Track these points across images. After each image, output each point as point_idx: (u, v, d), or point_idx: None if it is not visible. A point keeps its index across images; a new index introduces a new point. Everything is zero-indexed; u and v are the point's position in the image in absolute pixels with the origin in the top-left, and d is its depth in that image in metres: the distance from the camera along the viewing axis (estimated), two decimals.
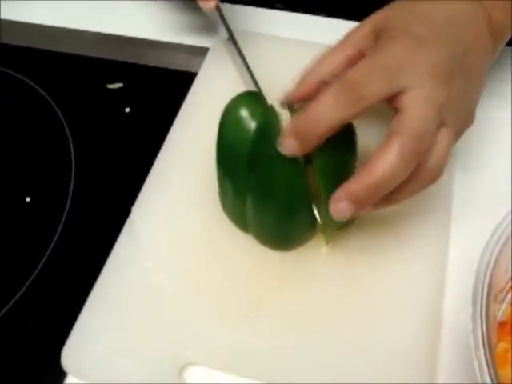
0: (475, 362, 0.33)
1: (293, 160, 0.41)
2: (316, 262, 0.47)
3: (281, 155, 0.41)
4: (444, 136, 0.40)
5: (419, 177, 0.40)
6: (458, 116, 0.42)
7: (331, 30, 0.55)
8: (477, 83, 0.44)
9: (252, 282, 0.46)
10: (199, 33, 0.63)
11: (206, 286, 0.46)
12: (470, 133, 0.46)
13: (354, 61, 0.42)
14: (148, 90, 0.59)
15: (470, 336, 0.34)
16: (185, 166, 0.52)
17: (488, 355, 0.33)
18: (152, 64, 0.61)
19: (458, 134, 0.44)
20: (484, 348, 0.33)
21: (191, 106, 0.56)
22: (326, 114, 0.38)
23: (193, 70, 0.59)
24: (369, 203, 0.40)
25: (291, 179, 0.43)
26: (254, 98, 0.45)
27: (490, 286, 0.36)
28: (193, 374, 0.43)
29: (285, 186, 0.43)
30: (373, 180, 0.38)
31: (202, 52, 0.60)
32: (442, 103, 0.39)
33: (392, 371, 0.42)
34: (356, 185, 0.39)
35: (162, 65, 0.61)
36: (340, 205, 0.39)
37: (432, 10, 0.43)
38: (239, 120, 0.43)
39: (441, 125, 0.40)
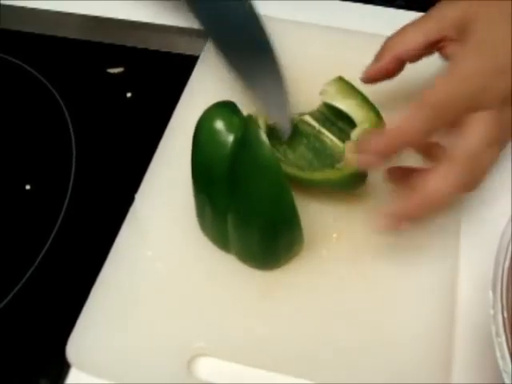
0: (496, 349, 0.32)
1: (277, 173, 0.39)
2: (327, 246, 0.46)
3: (264, 169, 0.39)
4: (494, 156, 0.41)
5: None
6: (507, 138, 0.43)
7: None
8: None
9: (261, 271, 0.45)
10: None
11: (214, 275, 0.45)
12: None
13: (433, 45, 0.43)
14: (149, 74, 0.58)
15: (491, 322, 0.33)
16: (188, 152, 0.50)
17: (510, 341, 0.32)
18: (153, 48, 0.60)
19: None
20: (506, 334, 0.32)
21: (194, 90, 0.55)
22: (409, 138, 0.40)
23: (194, 54, 0.58)
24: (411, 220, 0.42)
25: (276, 194, 0.40)
26: (229, 108, 0.41)
27: (509, 271, 0.35)
28: (202, 365, 0.42)
29: (269, 201, 0.40)
30: (427, 201, 0.40)
31: (204, 35, 0.58)
32: (505, 126, 0.40)
33: (407, 359, 0.41)
34: (410, 204, 0.41)
35: (164, 48, 0.60)
36: (387, 221, 0.41)
37: None
38: (215, 133, 0.40)
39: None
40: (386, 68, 0.45)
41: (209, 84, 0.55)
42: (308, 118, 0.48)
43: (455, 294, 0.44)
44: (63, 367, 0.42)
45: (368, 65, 0.46)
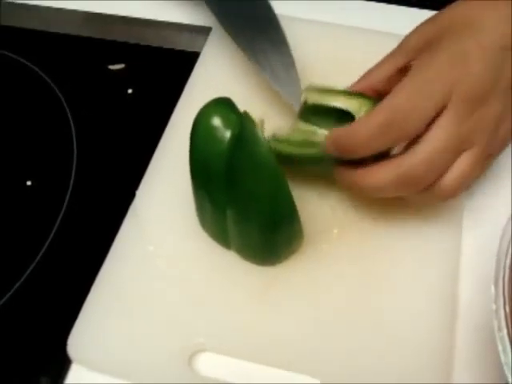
0: (498, 343, 0.32)
1: (274, 169, 0.39)
2: (328, 245, 0.46)
3: (261, 165, 0.39)
4: (464, 161, 0.40)
5: (431, 193, 0.41)
6: (491, 139, 0.40)
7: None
8: None
9: (261, 266, 0.45)
10: (202, 12, 0.61)
11: (214, 271, 0.45)
12: None
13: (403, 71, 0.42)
14: (150, 71, 0.58)
15: (493, 317, 0.33)
16: (188, 147, 0.50)
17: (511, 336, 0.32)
18: (154, 44, 0.59)
19: (491, 156, 0.42)
20: (508, 329, 0.32)
21: (195, 87, 0.54)
22: (366, 142, 0.40)
23: (196, 50, 0.58)
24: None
25: (274, 190, 0.40)
26: (225, 105, 0.41)
27: (511, 266, 0.35)
28: (203, 360, 0.42)
29: (267, 197, 0.40)
30: (364, 186, 0.41)
31: (205, 31, 0.59)
32: (469, 129, 0.39)
33: (408, 354, 0.41)
34: (349, 176, 0.42)
35: (164, 45, 0.59)
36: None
37: (489, 26, 0.40)
38: (212, 130, 0.40)
39: (464, 149, 0.40)
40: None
41: (210, 80, 0.55)
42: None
43: (456, 290, 0.44)
44: (64, 363, 0.42)
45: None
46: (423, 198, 0.42)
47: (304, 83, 0.48)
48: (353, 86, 0.46)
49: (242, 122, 0.40)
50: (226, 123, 0.40)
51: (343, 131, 0.40)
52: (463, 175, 0.40)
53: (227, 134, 0.40)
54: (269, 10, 0.54)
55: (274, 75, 0.50)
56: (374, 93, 0.44)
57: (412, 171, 0.39)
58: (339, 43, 0.56)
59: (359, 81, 0.46)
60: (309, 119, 0.47)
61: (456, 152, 0.39)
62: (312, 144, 0.44)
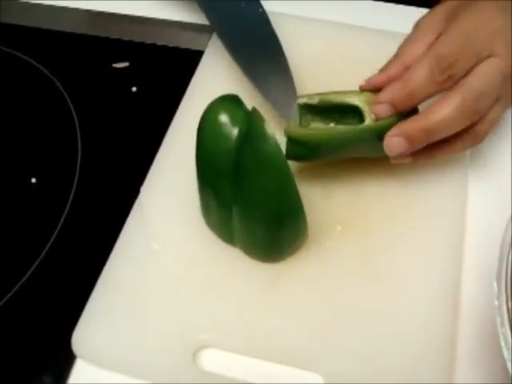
0: (501, 339, 0.33)
1: (282, 165, 0.39)
2: (331, 238, 0.46)
3: (268, 162, 0.39)
4: (498, 107, 0.44)
5: (465, 137, 0.44)
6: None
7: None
8: None
9: (266, 263, 0.45)
10: None
11: (219, 268, 0.45)
12: None
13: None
14: (154, 69, 0.58)
15: (496, 313, 0.33)
16: (194, 146, 0.51)
17: None
18: (158, 42, 0.60)
19: (508, 103, 0.46)
20: (510, 324, 0.32)
21: (199, 85, 0.55)
22: (421, 89, 0.43)
23: (200, 49, 0.58)
24: (418, 145, 0.43)
25: (281, 186, 0.40)
26: (233, 101, 0.41)
27: None
28: (207, 356, 0.42)
29: (274, 193, 0.40)
30: (429, 124, 0.42)
31: (209, 30, 0.59)
32: (508, 74, 0.43)
33: (412, 350, 0.41)
34: (413, 125, 0.43)
35: (168, 43, 0.60)
36: (394, 139, 0.43)
37: None
38: (219, 127, 0.40)
39: (499, 96, 0.43)
40: (394, 75, 0.45)
41: (214, 78, 0.55)
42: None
43: (459, 286, 0.44)
44: (69, 359, 0.42)
45: (373, 75, 0.46)
46: (455, 145, 0.45)
47: (297, 82, 0.49)
48: (385, 66, 0.46)
49: (249, 119, 0.40)
50: (234, 120, 0.40)
51: (395, 87, 0.43)
52: (494, 123, 0.45)
53: (235, 131, 0.40)
54: (267, 24, 0.55)
55: (270, 96, 0.50)
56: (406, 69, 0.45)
57: (472, 100, 0.42)
58: (333, 41, 0.56)
59: (391, 61, 0.46)
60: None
61: (497, 93, 0.43)
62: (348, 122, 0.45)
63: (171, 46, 0.59)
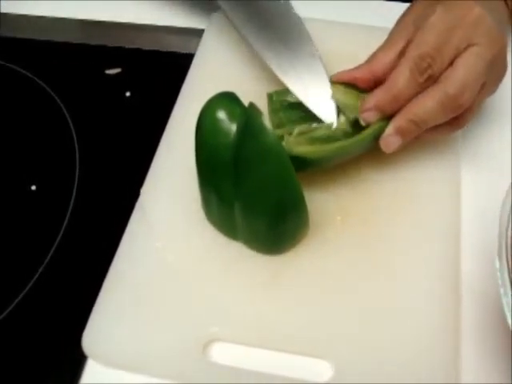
0: (505, 308, 0.33)
1: (282, 157, 0.40)
2: (332, 232, 0.47)
3: (269, 154, 0.39)
4: (483, 94, 0.45)
5: (452, 122, 0.45)
6: (498, 75, 0.46)
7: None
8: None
9: (269, 255, 0.46)
10: (194, 15, 0.62)
11: (223, 262, 0.45)
12: None
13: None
14: (147, 73, 0.59)
15: (499, 285, 0.34)
16: (190, 144, 0.51)
17: None
18: (149, 48, 0.60)
19: (493, 89, 0.47)
20: None
21: (191, 86, 0.55)
22: (404, 92, 0.44)
23: (190, 52, 0.59)
24: (410, 136, 0.45)
25: (283, 178, 0.41)
26: (230, 98, 0.42)
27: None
28: (217, 349, 0.42)
29: (276, 186, 0.41)
30: (411, 117, 0.44)
31: (198, 33, 0.60)
32: (490, 61, 0.43)
33: (416, 330, 0.42)
34: (403, 121, 0.45)
35: (159, 48, 0.60)
36: (390, 139, 0.45)
37: None
38: (218, 123, 0.41)
39: (484, 84, 0.44)
40: (361, 78, 0.47)
41: (207, 78, 0.55)
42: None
43: (459, 268, 0.45)
44: (80, 359, 0.42)
45: (343, 70, 0.48)
46: (443, 129, 0.46)
47: None
48: (353, 72, 0.47)
49: (247, 114, 0.40)
50: (232, 116, 0.41)
51: (380, 92, 0.45)
52: (478, 109, 0.47)
53: (233, 127, 0.40)
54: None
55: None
56: (375, 79, 0.46)
57: (456, 92, 0.43)
58: (343, 40, 0.57)
59: (360, 68, 0.47)
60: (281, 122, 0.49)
61: (482, 80, 0.44)
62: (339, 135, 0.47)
63: (162, 50, 0.60)
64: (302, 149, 0.44)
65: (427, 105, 0.43)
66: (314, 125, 0.48)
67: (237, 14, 0.53)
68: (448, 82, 0.43)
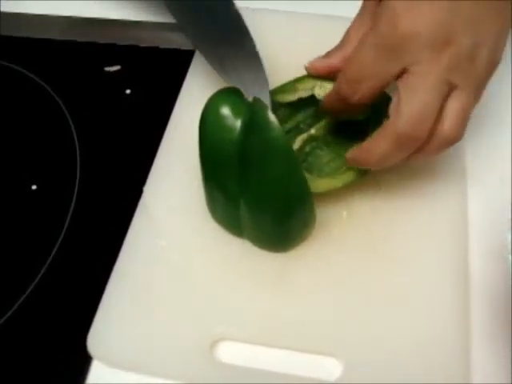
0: None
1: (289, 151, 0.39)
2: (338, 228, 0.46)
3: (275, 149, 0.39)
4: (455, 100, 0.39)
5: (434, 141, 0.40)
6: (471, 73, 0.40)
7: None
8: (489, 31, 0.40)
9: (275, 253, 0.45)
10: None
11: (228, 260, 0.45)
12: None
13: None
14: (147, 70, 0.58)
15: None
16: (192, 142, 0.51)
17: None
18: (148, 44, 0.60)
19: (479, 88, 0.41)
20: None
21: (192, 83, 0.55)
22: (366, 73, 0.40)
23: (190, 48, 0.58)
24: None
25: (289, 173, 0.40)
26: (233, 93, 0.41)
27: None
28: (224, 348, 0.42)
29: (283, 181, 0.40)
30: (369, 162, 0.42)
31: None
32: (442, 72, 0.38)
33: (426, 325, 0.42)
34: (355, 157, 0.43)
35: (159, 44, 0.60)
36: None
37: None
38: (222, 119, 0.40)
39: (451, 89, 0.39)
40: (336, 67, 0.45)
41: (207, 75, 0.55)
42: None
43: (467, 260, 0.45)
44: (85, 361, 0.42)
45: (317, 57, 0.46)
46: (428, 150, 0.41)
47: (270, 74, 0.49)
48: (328, 60, 0.46)
49: (252, 109, 0.40)
50: (236, 111, 0.40)
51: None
52: (458, 114, 0.40)
53: (237, 123, 0.40)
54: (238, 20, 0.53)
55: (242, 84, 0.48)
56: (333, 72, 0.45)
57: (406, 129, 0.39)
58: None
59: (334, 54, 0.45)
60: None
61: (440, 98, 0.39)
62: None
63: (161, 47, 0.59)
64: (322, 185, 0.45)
65: (383, 147, 0.41)
66: (301, 125, 0.49)
67: (180, 12, 0.53)
68: (398, 117, 0.39)
